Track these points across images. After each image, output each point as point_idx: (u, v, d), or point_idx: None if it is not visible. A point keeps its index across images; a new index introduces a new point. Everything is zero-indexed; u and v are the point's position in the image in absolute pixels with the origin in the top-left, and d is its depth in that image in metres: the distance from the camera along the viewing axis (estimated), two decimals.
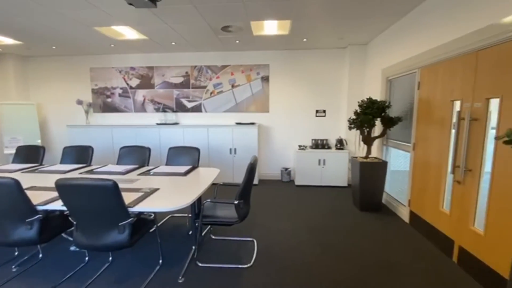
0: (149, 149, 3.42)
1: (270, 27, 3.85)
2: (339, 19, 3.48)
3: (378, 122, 3.73)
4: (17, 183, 1.82)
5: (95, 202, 1.79)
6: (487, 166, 2.12)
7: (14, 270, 2.28)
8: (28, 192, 2.19)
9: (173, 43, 4.59)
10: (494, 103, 2.05)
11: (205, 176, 2.78)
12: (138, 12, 3.17)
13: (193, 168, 3.15)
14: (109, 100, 5.54)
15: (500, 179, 1.94)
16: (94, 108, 5.60)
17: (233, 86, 5.24)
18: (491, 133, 2.10)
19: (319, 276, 2.22)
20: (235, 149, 4.92)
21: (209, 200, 2.37)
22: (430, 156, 2.82)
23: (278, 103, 5.23)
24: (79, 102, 5.44)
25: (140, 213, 2.08)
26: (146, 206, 1.91)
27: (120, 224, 1.87)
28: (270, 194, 4.45)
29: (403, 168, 3.55)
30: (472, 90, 2.24)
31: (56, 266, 2.36)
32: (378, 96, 4.14)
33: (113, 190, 1.77)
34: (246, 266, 2.36)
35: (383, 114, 3.47)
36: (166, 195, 2.18)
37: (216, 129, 4.91)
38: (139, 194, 2.19)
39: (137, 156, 3.42)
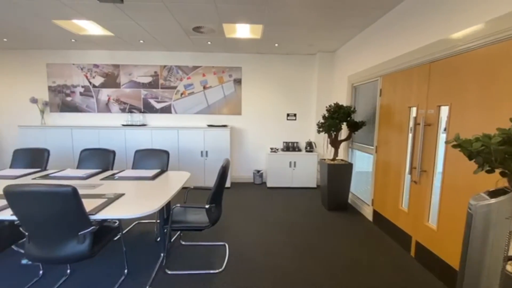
0: (113, 152, 3.24)
1: (243, 30, 3.87)
2: (309, 27, 3.61)
3: (344, 126, 3.92)
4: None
5: (51, 211, 1.65)
6: (439, 167, 2.33)
7: None
8: None
9: (141, 41, 4.41)
10: (444, 110, 2.26)
11: (175, 180, 2.70)
12: (102, 6, 3.00)
13: (162, 172, 3.04)
14: (68, 99, 5.14)
15: (450, 178, 2.15)
16: (51, 107, 5.16)
17: (204, 88, 5.17)
18: (442, 137, 2.31)
19: (291, 277, 2.27)
20: (206, 152, 4.84)
21: (178, 204, 2.30)
22: (390, 158, 3.03)
23: (251, 106, 5.27)
24: (34, 101, 4.98)
25: (103, 220, 1.95)
26: (110, 213, 1.80)
27: (80, 233, 1.74)
28: (242, 196, 4.45)
29: (367, 169, 3.76)
30: (426, 98, 2.45)
31: (5, 282, 2.12)
32: (344, 101, 4.35)
33: (72, 197, 1.64)
34: (217, 271, 2.33)
35: (348, 118, 3.66)
36: (132, 200, 2.08)
37: (187, 131, 4.80)
38: (102, 200, 2.05)
39: (100, 159, 3.21)
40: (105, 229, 2.06)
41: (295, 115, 5.31)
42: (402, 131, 2.82)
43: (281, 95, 5.26)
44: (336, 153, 3.84)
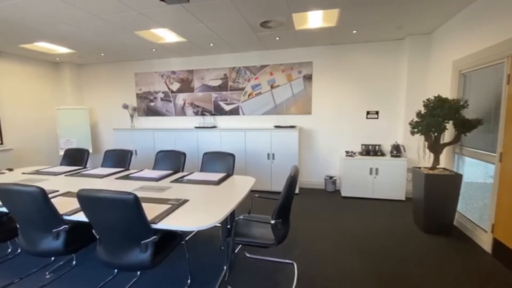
0: (184, 154, 3.28)
1: (315, 19, 3.44)
2: (399, 3, 2.92)
3: (450, 126, 3.05)
4: (42, 192, 1.73)
5: (115, 217, 1.62)
6: None
7: (47, 277, 2.26)
8: (62, 199, 2.17)
9: (211, 44, 4.46)
10: None
11: (240, 186, 2.49)
12: (172, 11, 3.05)
13: (227, 176, 2.90)
14: (152, 104, 5.66)
15: None
16: (138, 112, 5.79)
17: (272, 87, 4.92)
18: None
19: None
20: (273, 154, 4.58)
21: (241, 216, 2.07)
22: None
23: (322, 104, 4.76)
24: (125, 107, 5.66)
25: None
26: (171, 223, 1.68)
27: (142, 242, 1.67)
28: (313, 206, 4.01)
29: (481, 182, 2.82)
30: None
31: (86, 276, 2.29)
32: (447, 93, 3.42)
33: (133, 205, 1.57)
34: None
35: (456, 115, 2.81)
36: (195, 208, 1.94)
37: (254, 133, 4.64)
38: (167, 206, 1.98)
39: (172, 161, 3.30)
40: (169, 236, 1.97)
41: (377, 112, 4.53)
42: None
43: (359, 90, 4.57)
44: (436, 160, 3.02)
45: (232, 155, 3.05)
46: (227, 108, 5.19)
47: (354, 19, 3.38)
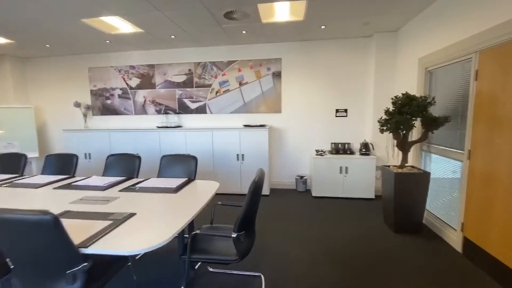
0: (139, 158, 2.91)
1: (282, 12, 3.24)
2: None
3: (416, 123, 3.02)
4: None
5: (29, 243, 1.26)
6: None
7: None
8: None
9: (172, 37, 4.09)
10: None
11: (201, 193, 2.21)
12: None
13: (189, 181, 2.59)
14: (108, 102, 5.13)
15: None
16: (93, 110, 5.21)
17: (240, 84, 4.67)
18: None
19: None
20: (242, 155, 4.33)
21: (198, 231, 1.79)
22: (498, 168, 2.10)
23: (292, 102, 4.60)
24: (77, 105, 5.06)
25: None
26: (105, 247, 1.36)
27: (68, 272, 1.33)
28: (283, 207, 3.83)
29: (448, 180, 2.82)
30: None
31: None
32: (414, 91, 3.42)
33: (52, 228, 1.23)
34: None
35: (424, 113, 2.77)
36: (142, 224, 1.62)
37: (222, 133, 4.35)
38: (106, 223, 1.64)
39: (125, 166, 2.91)
40: (108, 260, 1.64)
41: (346, 110, 4.48)
42: None
43: (328, 88, 4.48)
44: (405, 158, 2.98)
45: (194, 158, 2.75)
46: (192, 106, 4.85)
47: (322, 13, 3.24)
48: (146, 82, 4.93)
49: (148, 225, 1.62)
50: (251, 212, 1.74)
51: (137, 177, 2.85)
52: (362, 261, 2.41)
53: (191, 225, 2.19)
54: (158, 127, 4.71)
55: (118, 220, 1.68)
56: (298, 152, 4.70)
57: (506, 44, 2.00)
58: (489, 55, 2.19)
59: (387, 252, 2.57)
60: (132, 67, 4.95)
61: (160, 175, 2.80)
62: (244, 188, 4.40)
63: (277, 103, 4.62)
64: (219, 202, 2.21)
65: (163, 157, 2.85)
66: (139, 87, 4.97)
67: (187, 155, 2.79)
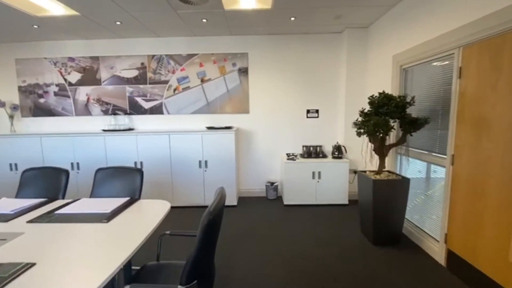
0: (66, 172, 2.27)
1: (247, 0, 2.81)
2: None
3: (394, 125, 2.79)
4: None
5: None
6: None
7: None
8: None
9: (117, 23, 3.44)
10: None
11: (145, 219, 1.69)
12: None
13: (131, 201, 2.04)
14: (41, 100, 4.26)
15: None
16: (22, 111, 4.30)
17: (202, 81, 4.15)
18: None
19: None
20: (206, 162, 3.82)
21: (129, 286, 1.28)
22: (486, 174, 1.89)
23: (261, 101, 4.20)
24: (1, 105, 4.13)
25: None
26: None
27: None
28: (252, 219, 3.41)
29: (429, 187, 2.62)
30: None
31: None
32: (388, 90, 3.21)
33: None
34: None
35: (403, 113, 2.53)
36: (39, 281, 1.08)
37: (181, 136, 3.80)
38: None
39: (47, 183, 2.26)
40: None
41: (317, 111, 4.19)
42: None
43: (299, 87, 4.16)
44: (382, 163, 2.73)
45: (139, 171, 2.20)
46: (146, 105, 4.21)
47: (291, 2, 2.87)
48: (89, 77, 4.18)
49: (47, 283, 1.08)
50: (205, 257, 1.27)
51: (63, 197, 2.22)
52: (343, 283, 2.08)
53: (127, 268, 1.66)
54: (104, 130, 3.99)
55: (3, 278, 1.11)
56: (268, 156, 4.31)
57: (497, 37, 1.79)
58: (475, 50, 1.97)
59: (368, 270, 2.27)
60: (71, 59, 4.16)
61: (93, 194, 2.19)
62: (208, 199, 3.90)
63: (244, 102, 4.18)
64: (168, 232, 1.70)
65: (98, 170, 2.25)
66: (80, 83, 4.20)
67: (129, 167, 2.23)
